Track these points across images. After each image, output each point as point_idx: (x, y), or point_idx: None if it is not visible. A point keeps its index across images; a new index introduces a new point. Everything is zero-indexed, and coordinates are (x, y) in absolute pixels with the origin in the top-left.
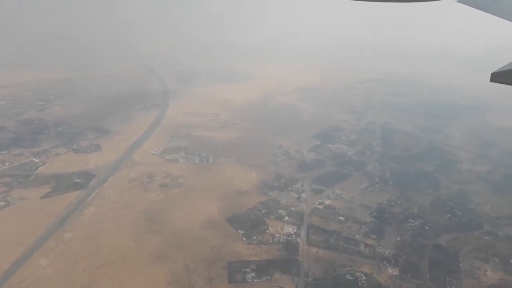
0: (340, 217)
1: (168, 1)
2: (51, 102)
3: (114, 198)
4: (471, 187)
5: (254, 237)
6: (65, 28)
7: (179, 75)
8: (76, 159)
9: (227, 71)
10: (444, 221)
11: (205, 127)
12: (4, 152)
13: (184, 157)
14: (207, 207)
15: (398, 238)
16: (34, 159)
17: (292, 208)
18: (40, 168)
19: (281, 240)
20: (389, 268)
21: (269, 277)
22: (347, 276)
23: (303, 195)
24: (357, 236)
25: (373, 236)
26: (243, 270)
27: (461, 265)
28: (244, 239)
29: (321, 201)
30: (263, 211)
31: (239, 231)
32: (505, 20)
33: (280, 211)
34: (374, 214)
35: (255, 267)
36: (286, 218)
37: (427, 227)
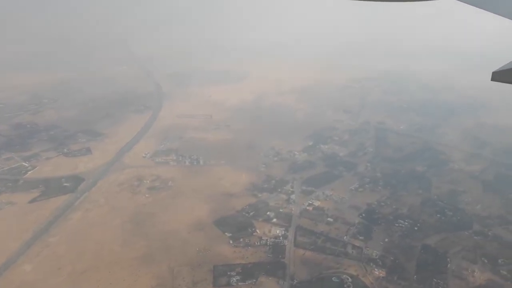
0: (328, 219)
1: (166, 2)
2: (44, 106)
3: (102, 202)
4: (463, 187)
5: (241, 239)
6: (62, 30)
7: (174, 77)
8: (66, 163)
9: (223, 72)
10: (434, 222)
11: (197, 128)
12: None
13: (174, 159)
14: (195, 210)
15: (386, 239)
16: (24, 163)
17: (281, 210)
18: (29, 172)
19: (268, 242)
20: (375, 269)
21: (254, 280)
22: (333, 278)
23: (293, 196)
24: (345, 237)
25: (361, 238)
26: (228, 273)
27: (449, 266)
28: (231, 242)
29: (310, 202)
30: (251, 213)
31: (226, 233)
32: (505, 19)
33: (268, 213)
34: (363, 215)
35: (240, 271)
36: (274, 220)
37: (416, 228)
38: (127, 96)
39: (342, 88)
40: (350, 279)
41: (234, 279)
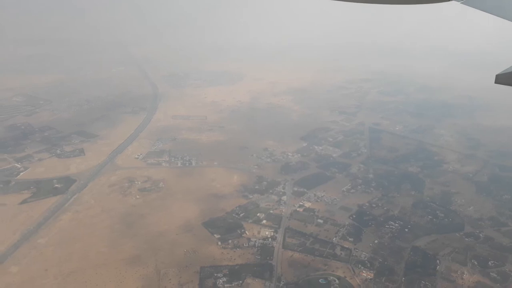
0: (319, 220)
1: (163, 4)
2: (40, 107)
3: (92, 203)
4: (456, 188)
5: (230, 241)
6: (60, 32)
7: (171, 78)
8: (58, 164)
9: (219, 73)
10: (425, 223)
11: (191, 130)
12: None
13: (167, 160)
14: (185, 211)
15: (376, 241)
16: (17, 165)
17: (271, 211)
18: (21, 173)
19: (256, 244)
20: (364, 271)
21: (240, 282)
22: (320, 280)
23: (284, 197)
24: (334, 239)
25: (351, 239)
26: (215, 275)
27: (438, 268)
28: (219, 243)
29: (301, 203)
30: (241, 215)
31: (215, 235)
32: (508, 21)
33: (258, 214)
34: (354, 216)
35: (227, 272)
36: (264, 221)
37: (406, 229)
38: (123, 98)
39: (338, 89)
40: (337, 281)
41: (220, 280)
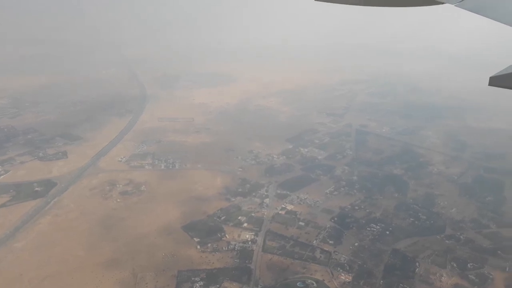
0: (300, 223)
1: (159, 4)
2: (25, 109)
3: (72, 207)
4: (439, 190)
5: (209, 244)
6: (54, 32)
7: (161, 80)
8: (40, 167)
9: (211, 75)
10: (406, 226)
11: (177, 132)
12: None
13: (150, 163)
14: (165, 215)
15: (356, 244)
16: None
17: (253, 214)
18: (1, 176)
19: (236, 247)
20: (342, 274)
21: (217, 286)
22: (298, 283)
23: (266, 200)
24: (314, 242)
25: (331, 242)
26: (192, 279)
27: (417, 270)
28: (199, 247)
29: (283, 206)
30: (222, 218)
31: (194, 238)
32: (504, 25)
33: (239, 217)
34: (335, 219)
35: (205, 276)
36: (245, 224)
37: (387, 232)
38: (111, 99)
39: (329, 91)
40: (315, 284)
41: (197, 284)
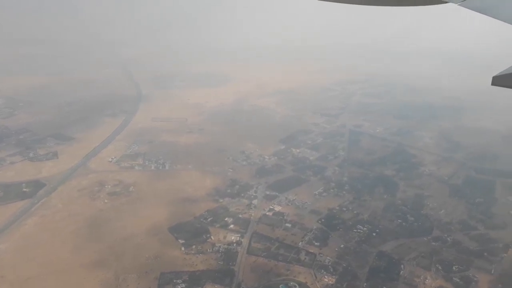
0: (287, 224)
1: (155, 4)
2: (19, 109)
3: (60, 207)
4: (429, 191)
5: (194, 246)
6: (48, 33)
7: (156, 80)
8: (30, 168)
9: (207, 75)
10: (394, 227)
11: (169, 132)
12: None
13: (140, 164)
14: (152, 216)
15: (342, 245)
16: None
17: (240, 216)
18: None
19: (221, 249)
20: (326, 276)
21: None
22: (280, 285)
23: (255, 201)
24: (300, 243)
25: (317, 244)
26: (174, 281)
27: (401, 272)
28: (183, 248)
29: (271, 207)
30: (209, 219)
31: (179, 240)
32: (504, 23)
33: (226, 219)
34: (323, 220)
35: (187, 278)
36: (232, 226)
37: (374, 234)
38: (106, 100)
39: (324, 91)
40: (297, 286)
41: (179, 287)
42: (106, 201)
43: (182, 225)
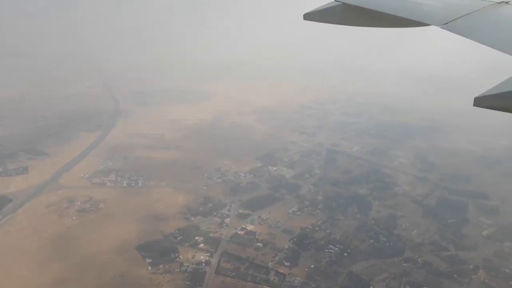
0: (258, 244)
1: (136, 18)
2: None
3: (24, 224)
4: (402, 212)
5: (161, 266)
6: (25, 45)
7: (136, 95)
8: None
9: (188, 91)
10: (365, 248)
11: (145, 148)
12: None
13: (113, 180)
14: (120, 234)
15: (312, 266)
16: None
17: (211, 235)
18: None
19: (188, 269)
20: None
21: None
22: None
23: (227, 220)
24: (270, 263)
25: (287, 264)
26: None
27: None
28: (150, 268)
29: (243, 226)
30: (179, 238)
31: (146, 259)
32: (487, 48)
33: (196, 237)
34: (294, 239)
35: None
36: (201, 245)
37: (345, 254)
38: (83, 114)
39: (304, 109)
40: None
41: None
42: (74, 218)
43: (150, 243)
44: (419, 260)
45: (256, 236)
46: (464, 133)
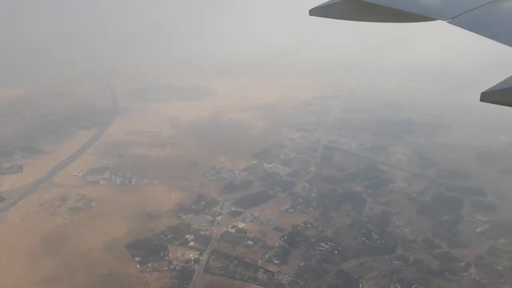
0: (249, 241)
1: (140, 16)
2: None
3: (17, 223)
4: (397, 209)
5: (150, 264)
6: (29, 43)
7: (136, 93)
8: None
9: (189, 88)
10: (357, 245)
11: (141, 145)
12: None
13: (106, 178)
14: (111, 232)
15: (302, 264)
16: None
17: (202, 233)
18: None
19: (177, 267)
20: None
21: None
22: None
23: (219, 218)
24: (259, 261)
25: (277, 262)
26: None
27: None
28: (138, 266)
29: (235, 224)
30: (169, 236)
31: (136, 258)
32: (493, 43)
33: (187, 236)
34: (285, 237)
35: None
36: (192, 243)
37: (336, 252)
38: (81, 112)
39: (305, 106)
40: None
41: None
42: (66, 216)
43: (140, 241)
44: (411, 257)
45: (247, 234)
46: (465, 129)
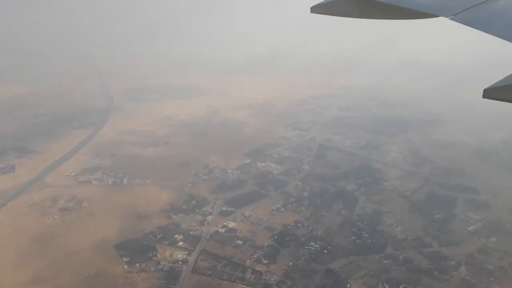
0: (238, 241)
1: (135, 15)
2: None
3: (6, 223)
4: (389, 207)
5: (137, 264)
6: (24, 43)
7: (130, 92)
8: None
9: (184, 87)
10: (347, 244)
11: (134, 145)
12: None
13: (98, 178)
14: (100, 232)
15: (291, 263)
16: None
17: (191, 233)
18: None
19: (165, 267)
20: None
21: None
22: None
23: (209, 218)
24: (248, 261)
25: (265, 261)
26: None
27: None
28: (126, 266)
29: (225, 224)
30: (158, 236)
31: (123, 258)
32: (494, 39)
33: (176, 236)
34: (275, 237)
35: None
36: (180, 243)
37: (326, 251)
38: (75, 112)
39: (300, 104)
40: None
41: None
42: (56, 216)
43: (129, 242)
44: (400, 256)
45: (237, 234)
46: (461, 126)
